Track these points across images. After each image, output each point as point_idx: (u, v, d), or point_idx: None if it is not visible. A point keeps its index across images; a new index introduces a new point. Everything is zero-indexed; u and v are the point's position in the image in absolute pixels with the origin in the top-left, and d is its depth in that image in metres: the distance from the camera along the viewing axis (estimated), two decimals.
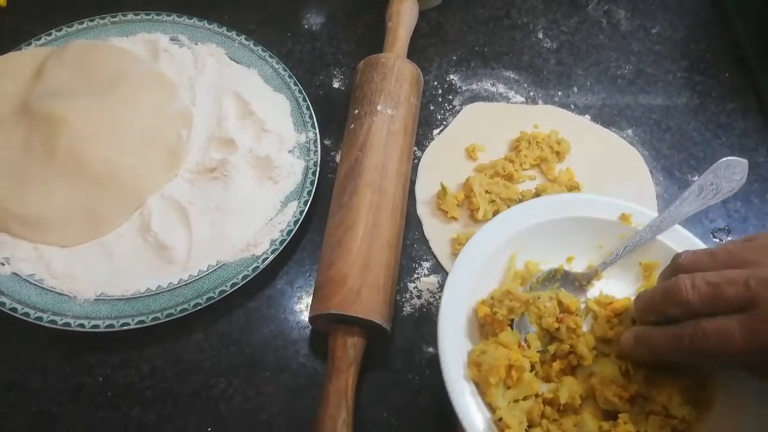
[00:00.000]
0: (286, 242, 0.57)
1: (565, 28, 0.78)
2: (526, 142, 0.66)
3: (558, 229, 0.52)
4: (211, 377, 0.54)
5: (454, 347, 0.45)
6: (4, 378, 0.53)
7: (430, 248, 0.61)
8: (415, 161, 0.66)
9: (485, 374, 0.44)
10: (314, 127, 0.64)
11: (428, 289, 0.59)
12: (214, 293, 0.55)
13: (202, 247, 0.57)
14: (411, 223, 0.63)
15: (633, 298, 0.48)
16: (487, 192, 0.62)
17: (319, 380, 0.53)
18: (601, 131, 0.70)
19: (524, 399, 0.46)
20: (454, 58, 0.75)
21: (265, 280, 0.58)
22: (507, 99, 0.72)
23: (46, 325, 0.52)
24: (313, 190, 0.61)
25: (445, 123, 0.70)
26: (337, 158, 0.66)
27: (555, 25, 0.79)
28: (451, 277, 0.48)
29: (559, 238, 0.53)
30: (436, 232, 0.62)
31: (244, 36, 0.70)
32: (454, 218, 0.62)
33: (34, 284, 0.54)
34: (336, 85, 0.71)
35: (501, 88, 0.73)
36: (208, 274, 0.56)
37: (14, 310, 0.53)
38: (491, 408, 0.44)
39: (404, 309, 0.58)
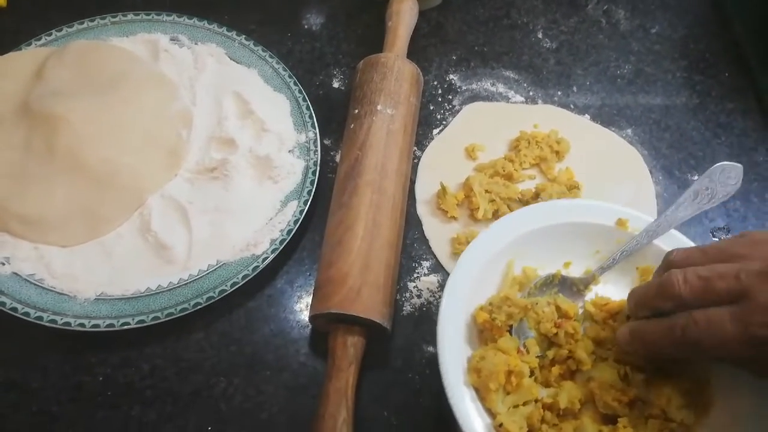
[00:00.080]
0: (286, 242, 0.58)
1: (564, 28, 0.78)
2: (525, 142, 0.66)
3: (555, 234, 0.53)
4: (211, 376, 0.54)
5: (453, 353, 0.46)
6: (4, 377, 0.53)
7: (429, 248, 0.61)
8: (415, 161, 0.66)
9: (485, 380, 0.44)
10: (314, 127, 0.65)
11: (428, 289, 0.59)
12: (214, 293, 0.55)
13: (202, 246, 0.57)
14: (411, 222, 0.63)
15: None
16: (486, 191, 0.62)
17: (319, 379, 0.53)
18: (600, 131, 0.70)
19: (524, 404, 0.46)
20: (454, 57, 0.75)
21: (265, 280, 0.58)
22: (507, 99, 0.72)
23: (47, 324, 0.53)
24: (313, 189, 0.61)
25: (444, 123, 0.70)
26: (337, 158, 0.66)
27: (554, 25, 0.79)
28: (450, 284, 0.48)
29: (557, 244, 0.53)
30: (436, 232, 0.62)
31: (244, 36, 0.70)
32: (453, 218, 0.62)
33: (34, 284, 0.54)
34: (336, 84, 0.72)
35: (501, 88, 0.73)
36: (208, 273, 0.56)
37: (14, 309, 0.53)
38: (491, 413, 0.44)
39: (404, 308, 0.58)
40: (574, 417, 0.46)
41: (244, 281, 0.55)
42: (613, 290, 0.52)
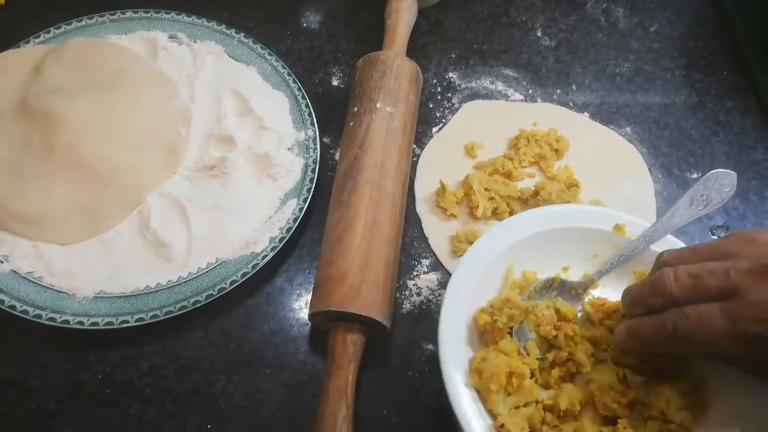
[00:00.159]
0: (285, 240, 0.57)
1: (563, 26, 0.78)
2: (525, 140, 0.66)
3: (554, 239, 0.53)
4: (210, 374, 0.54)
5: (455, 355, 0.46)
6: (3, 375, 0.53)
7: (429, 246, 0.61)
8: (415, 159, 0.66)
9: (486, 381, 0.45)
10: (313, 125, 0.65)
11: (428, 287, 0.59)
12: (214, 291, 0.55)
13: (201, 244, 0.57)
14: (410, 220, 0.63)
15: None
16: (486, 189, 0.62)
17: (319, 377, 0.53)
18: (599, 129, 0.70)
19: (525, 405, 0.46)
20: (453, 55, 0.75)
21: (264, 278, 0.58)
22: (506, 97, 0.72)
23: (45, 322, 0.52)
24: (313, 187, 0.61)
25: (444, 121, 0.70)
26: (337, 156, 0.66)
27: (553, 23, 0.79)
28: (452, 286, 0.49)
29: (555, 248, 0.53)
30: (436, 230, 0.62)
31: (243, 34, 0.70)
32: (453, 216, 0.62)
33: (33, 282, 0.54)
34: (335, 82, 0.71)
35: (500, 86, 0.73)
36: (207, 271, 0.56)
37: (13, 307, 0.53)
38: (492, 414, 0.45)
39: (404, 306, 0.58)
40: (575, 418, 0.47)
41: (244, 279, 0.55)
42: (611, 293, 0.53)
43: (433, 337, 0.47)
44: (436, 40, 0.76)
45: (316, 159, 0.62)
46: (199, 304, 0.54)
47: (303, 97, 0.66)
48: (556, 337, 0.49)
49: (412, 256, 0.61)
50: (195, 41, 0.69)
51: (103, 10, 0.70)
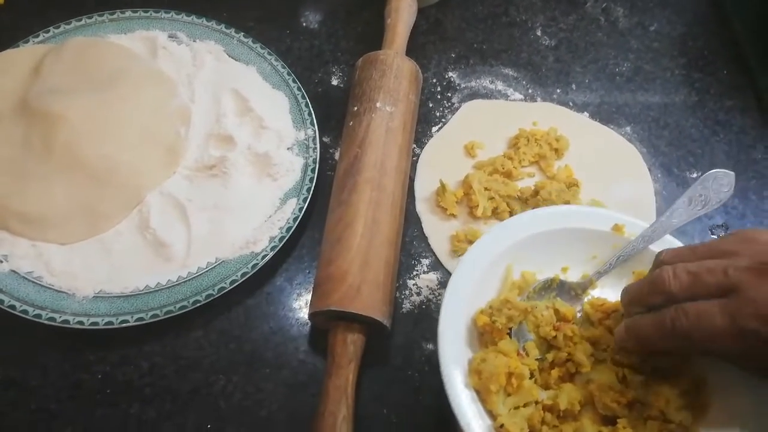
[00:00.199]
0: (285, 239, 0.57)
1: (563, 26, 0.78)
2: (524, 140, 0.66)
3: (553, 240, 0.53)
4: (210, 374, 0.54)
5: (454, 355, 0.46)
6: (3, 375, 0.53)
7: (429, 245, 0.61)
8: (414, 158, 0.66)
9: (486, 382, 0.45)
10: (313, 125, 0.64)
11: (428, 286, 0.59)
12: (214, 290, 0.55)
13: (201, 244, 0.57)
14: (410, 220, 0.63)
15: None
16: (486, 189, 0.62)
17: (319, 377, 0.53)
18: (599, 128, 0.70)
19: (524, 406, 0.46)
20: (453, 55, 0.75)
21: (264, 278, 0.58)
22: (506, 96, 0.72)
23: (45, 322, 0.52)
24: (312, 187, 0.61)
25: (444, 120, 0.70)
26: (336, 155, 0.66)
27: (553, 22, 0.79)
28: (451, 287, 0.49)
29: (554, 249, 0.53)
30: (436, 229, 0.62)
31: (242, 33, 0.70)
32: (453, 215, 0.62)
33: (33, 281, 0.54)
34: (335, 82, 0.71)
35: (500, 86, 0.73)
36: (207, 271, 0.56)
37: (12, 307, 0.53)
38: (492, 415, 0.45)
39: (404, 306, 0.58)
40: (574, 418, 0.47)
41: (244, 279, 0.55)
42: (610, 294, 0.53)
43: (433, 337, 0.47)
44: (435, 40, 0.76)
45: (315, 158, 0.62)
46: (198, 304, 0.54)
47: (303, 97, 0.66)
48: (555, 337, 0.49)
49: (412, 255, 0.61)
50: (194, 41, 0.69)
51: (102, 9, 0.70)
